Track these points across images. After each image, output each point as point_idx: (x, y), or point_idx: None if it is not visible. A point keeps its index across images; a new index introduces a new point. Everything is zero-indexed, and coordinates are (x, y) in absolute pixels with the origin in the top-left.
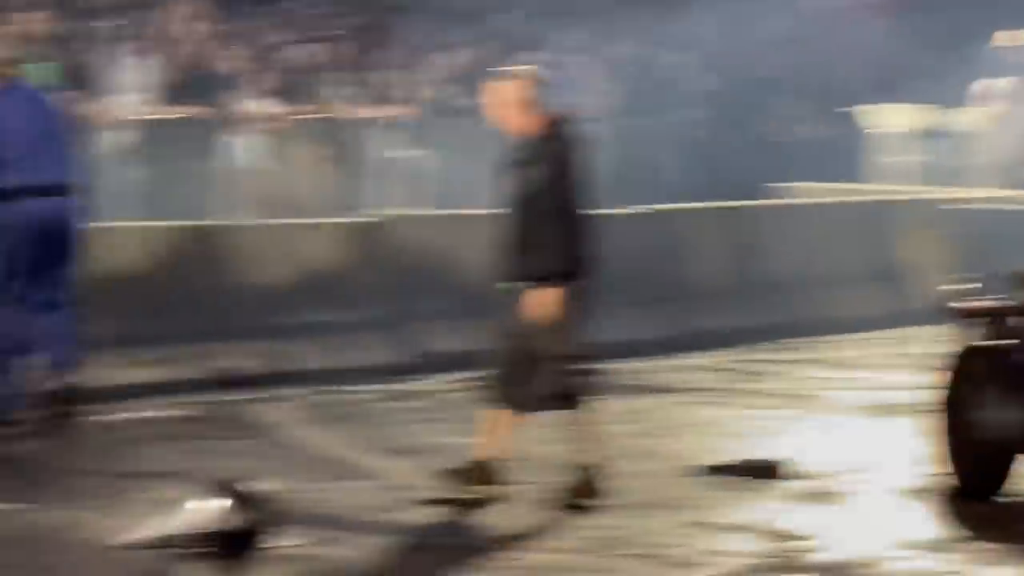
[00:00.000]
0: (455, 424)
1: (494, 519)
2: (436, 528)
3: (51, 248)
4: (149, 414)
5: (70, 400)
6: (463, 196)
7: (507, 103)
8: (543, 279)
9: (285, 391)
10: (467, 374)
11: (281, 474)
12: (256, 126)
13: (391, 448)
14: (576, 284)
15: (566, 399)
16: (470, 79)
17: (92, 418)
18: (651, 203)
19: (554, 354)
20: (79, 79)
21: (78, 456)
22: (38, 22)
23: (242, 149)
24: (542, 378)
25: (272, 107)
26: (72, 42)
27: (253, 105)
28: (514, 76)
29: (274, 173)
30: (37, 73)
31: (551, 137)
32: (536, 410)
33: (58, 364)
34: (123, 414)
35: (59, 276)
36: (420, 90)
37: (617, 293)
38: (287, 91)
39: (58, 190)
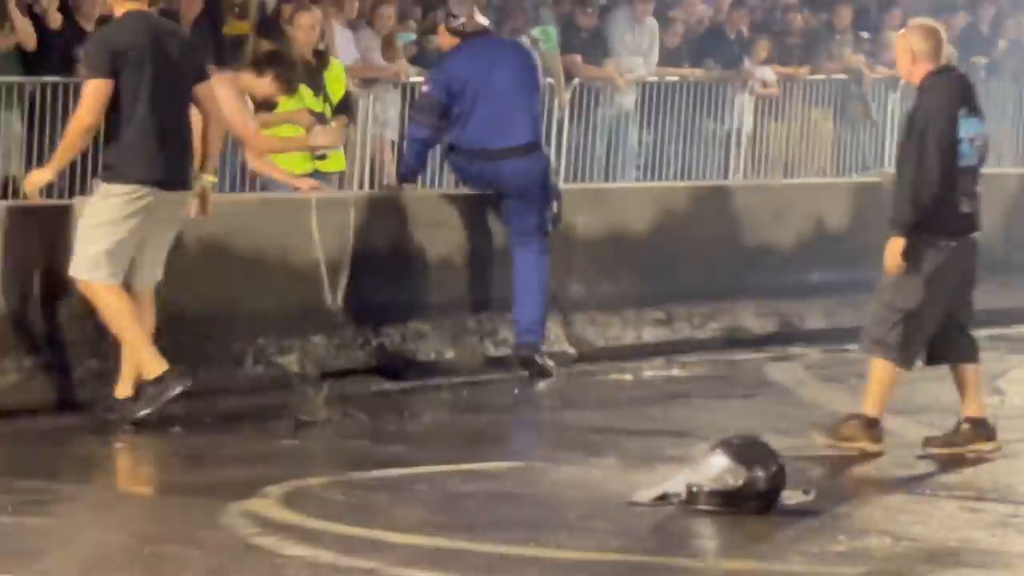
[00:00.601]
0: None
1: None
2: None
3: (526, 206)
4: (658, 373)
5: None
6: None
7: (902, 54)
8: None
9: (792, 350)
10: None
11: (787, 432)
12: (762, 88)
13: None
14: (926, 237)
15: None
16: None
17: (603, 377)
18: None
19: (893, 305)
20: (578, 41)
21: (591, 414)
22: None
23: (748, 111)
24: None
25: (778, 69)
26: (571, 2)
27: (759, 68)
28: (909, 29)
29: (779, 134)
30: (537, 36)
31: (924, 89)
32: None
33: (529, 325)
34: (630, 374)
35: (532, 236)
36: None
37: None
38: (791, 53)
39: (528, 148)
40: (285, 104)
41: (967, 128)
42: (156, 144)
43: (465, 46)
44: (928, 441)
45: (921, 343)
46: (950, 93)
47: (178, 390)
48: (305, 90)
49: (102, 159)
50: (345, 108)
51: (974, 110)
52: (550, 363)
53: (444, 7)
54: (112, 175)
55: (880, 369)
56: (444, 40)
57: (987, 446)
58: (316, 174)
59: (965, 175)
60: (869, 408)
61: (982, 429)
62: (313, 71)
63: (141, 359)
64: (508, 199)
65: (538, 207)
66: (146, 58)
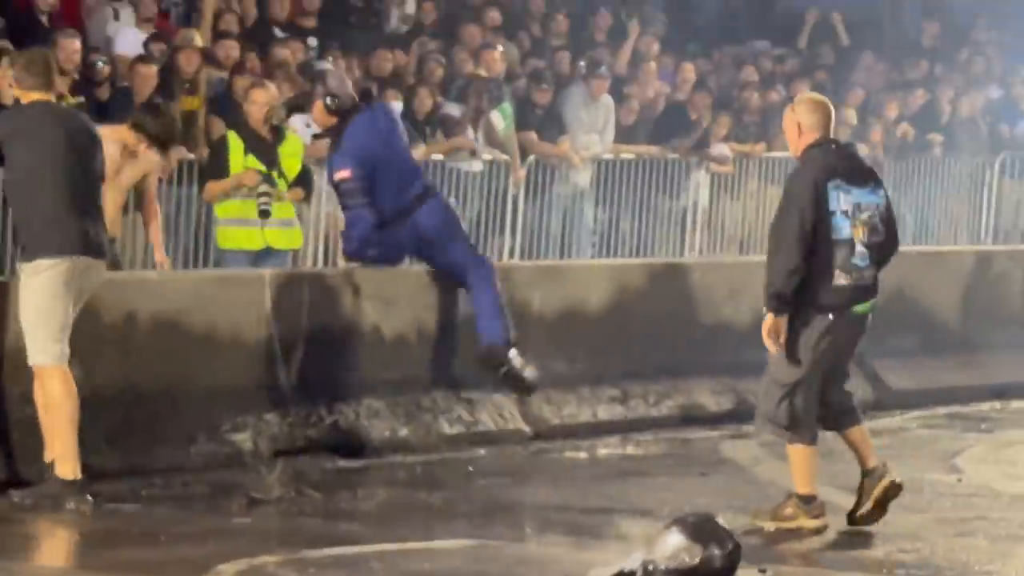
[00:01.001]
0: (918, 460)
1: None
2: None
3: (450, 237)
4: (614, 451)
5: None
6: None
7: (790, 127)
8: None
9: (748, 428)
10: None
11: (743, 510)
12: (718, 165)
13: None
14: (803, 311)
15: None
16: (923, 119)
17: (558, 455)
18: None
19: (776, 381)
20: (533, 118)
21: (546, 492)
22: (496, 59)
23: (704, 187)
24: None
25: (734, 146)
26: (527, 80)
27: (715, 144)
28: (797, 102)
29: (735, 211)
30: (498, 115)
31: (800, 162)
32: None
33: (491, 328)
34: (585, 452)
35: (470, 260)
36: (876, 130)
37: None
38: (748, 130)
39: (429, 191)
40: (235, 167)
41: (843, 200)
42: (70, 217)
43: (354, 121)
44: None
45: (810, 415)
46: (823, 165)
47: (72, 505)
48: (253, 160)
49: (20, 240)
50: (302, 182)
51: (856, 181)
52: (527, 370)
53: (322, 86)
54: (33, 252)
55: (790, 448)
56: (322, 119)
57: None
58: (269, 251)
59: (841, 248)
60: (800, 487)
61: (873, 479)
62: (267, 146)
63: (66, 455)
64: (434, 242)
65: (460, 233)
66: (49, 140)
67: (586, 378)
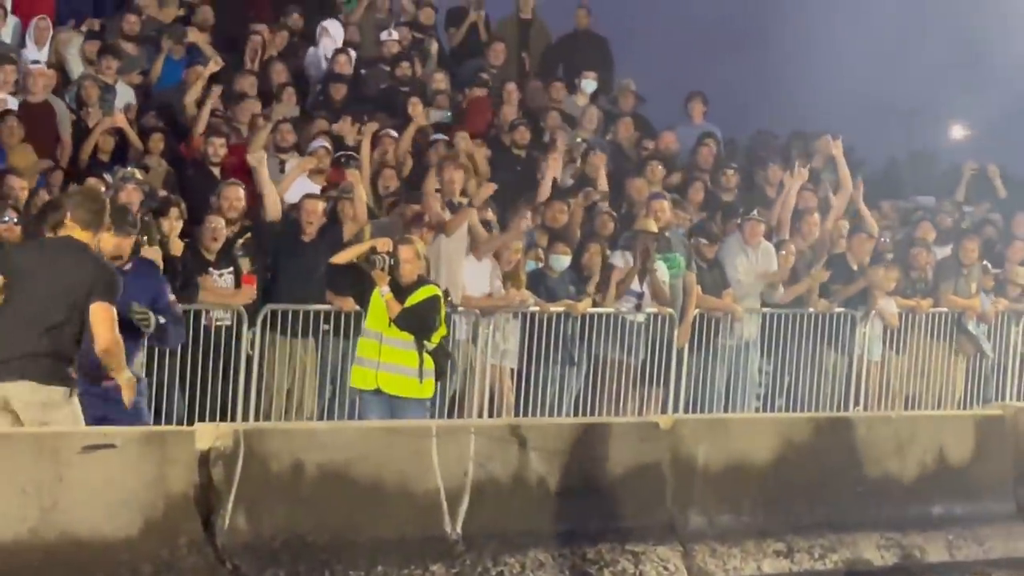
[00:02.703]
0: None
1: None
2: None
3: None
4: None
5: None
6: None
7: None
8: None
9: None
10: None
11: None
12: (885, 318)
13: None
14: None
15: None
16: None
17: None
18: None
19: None
20: (699, 272)
21: None
22: (664, 209)
23: (871, 340)
24: None
25: (900, 300)
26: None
27: (883, 299)
28: None
29: (901, 365)
30: (665, 263)
31: None
32: None
33: None
34: None
35: None
36: None
37: None
38: (915, 286)
39: None
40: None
41: None
42: None
43: None
44: None
45: None
46: None
47: None
48: None
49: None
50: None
51: None
52: None
53: None
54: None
55: None
56: None
57: None
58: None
59: None
60: None
61: None
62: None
63: None
64: None
65: None
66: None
67: (751, 532)
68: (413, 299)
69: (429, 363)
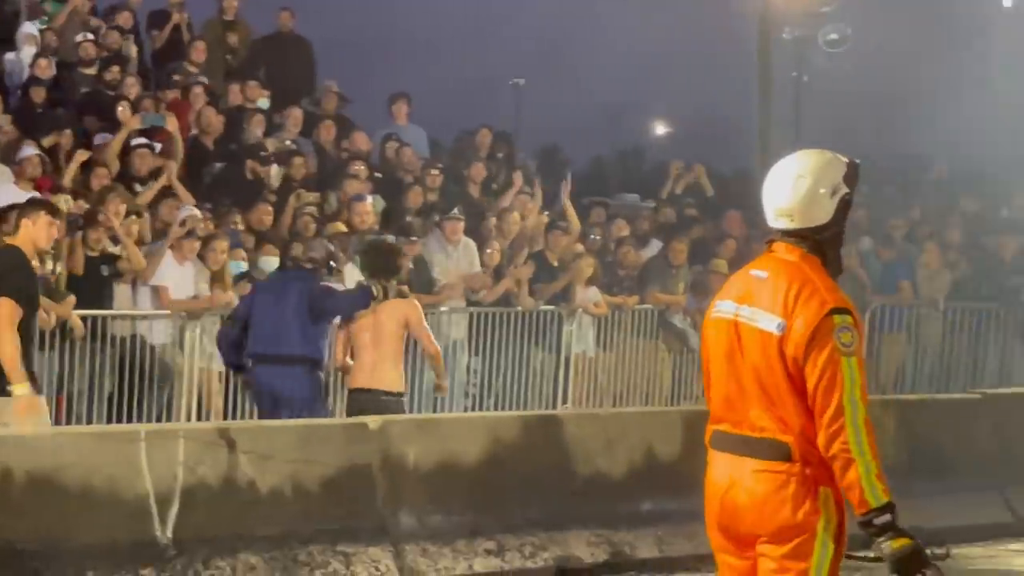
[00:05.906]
0: None
1: None
2: None
3: None
4: None
5: None
6: None
7: None
8: None
9: None
10: None
11: None
12: (593, 315)
13: None
14: None
15: None
16: None
17: None
18: None
19: None
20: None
21: None
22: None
23: (577, 337)
24: None
25: (608, 298)
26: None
27: (586, 290)
28: None
29: (611, 361)
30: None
31: None
32: None
33: None
34: None
35: None
36: None
37: None
38: (622, 284)
39: None
40: None
41: None
42: None
43: None
44: None
45: None
46: None
47: None
48: None
49: None
50: None
51: None
52: None
53: None
54: None
55: None
56: None
57: None
58: None
59: None
60: None
61: None
62: None
63: None
64: None
65: None
66: None
67: (461, 531)
68: None
69: None
